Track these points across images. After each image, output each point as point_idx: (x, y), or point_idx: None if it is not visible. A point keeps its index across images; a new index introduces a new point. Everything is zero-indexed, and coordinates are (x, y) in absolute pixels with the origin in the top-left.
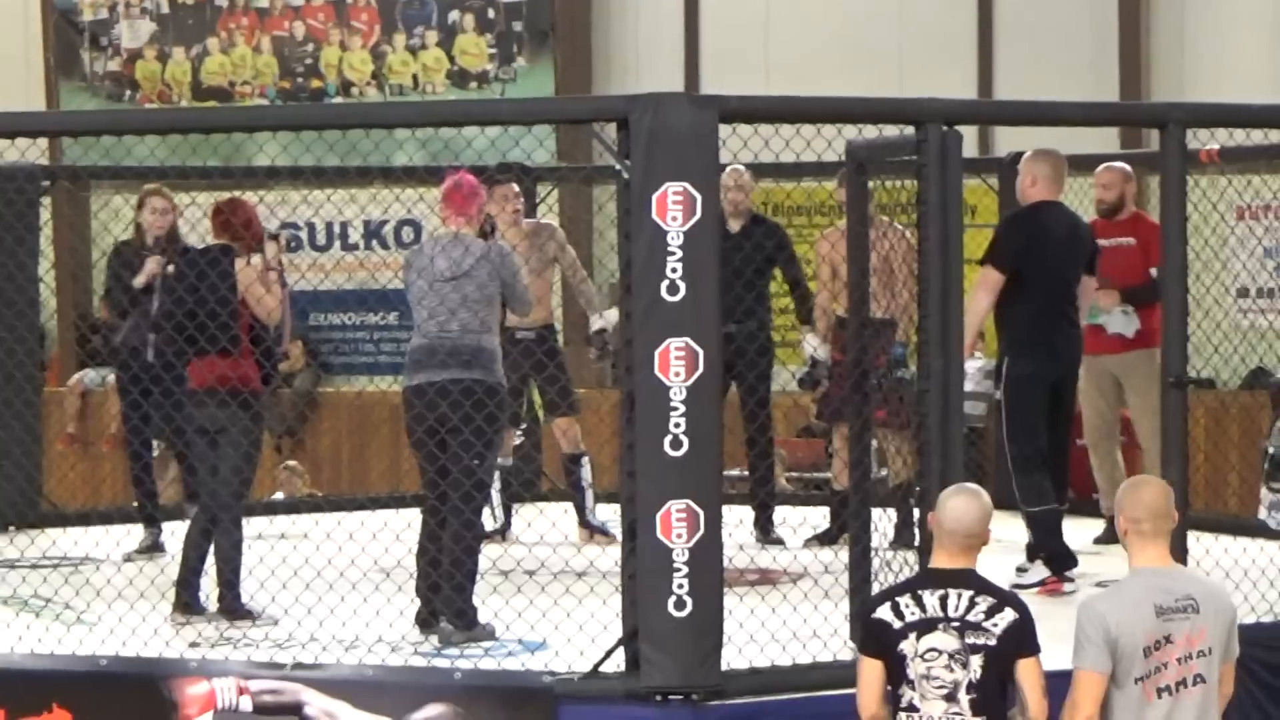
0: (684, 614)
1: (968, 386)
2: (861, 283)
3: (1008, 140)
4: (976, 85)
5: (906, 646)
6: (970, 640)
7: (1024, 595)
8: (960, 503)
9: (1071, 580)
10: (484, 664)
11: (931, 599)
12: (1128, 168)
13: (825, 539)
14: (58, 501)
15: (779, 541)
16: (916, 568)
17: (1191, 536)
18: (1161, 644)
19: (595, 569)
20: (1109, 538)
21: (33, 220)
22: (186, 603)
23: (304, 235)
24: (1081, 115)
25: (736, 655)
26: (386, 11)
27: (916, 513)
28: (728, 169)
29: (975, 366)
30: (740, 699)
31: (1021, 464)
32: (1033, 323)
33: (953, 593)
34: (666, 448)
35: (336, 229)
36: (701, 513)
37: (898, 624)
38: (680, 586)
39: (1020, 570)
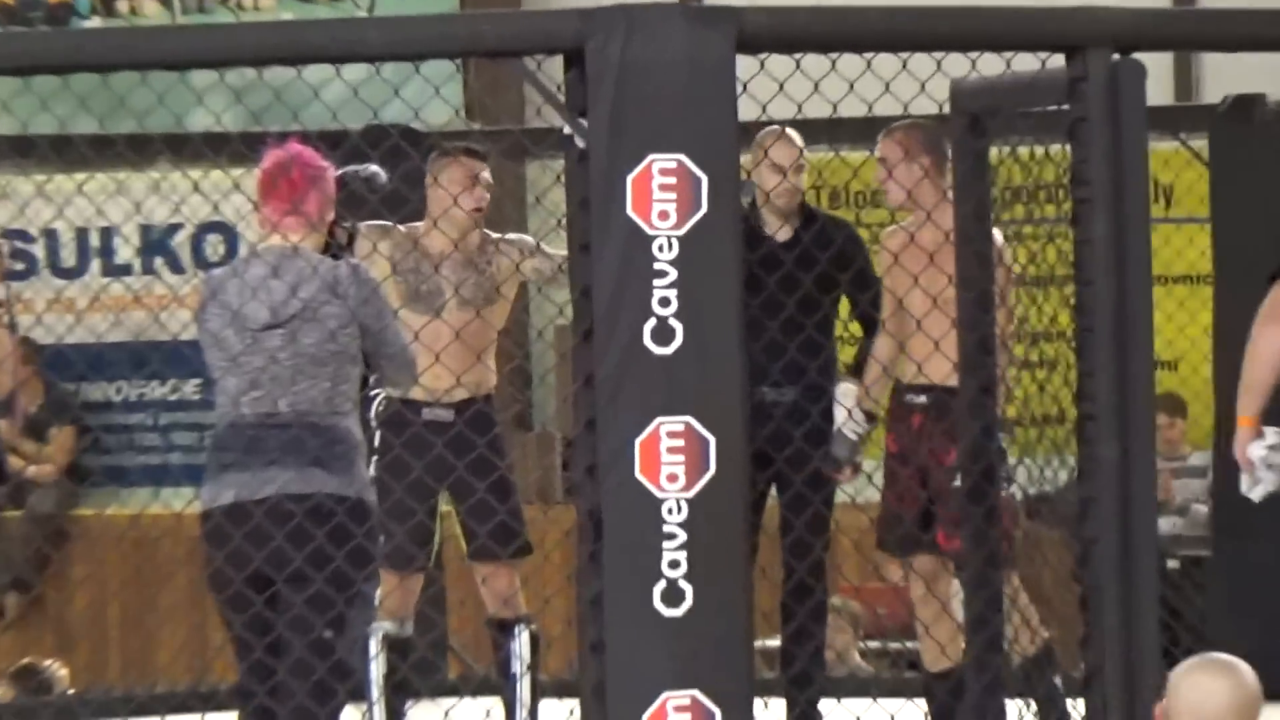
0: None
1: (1256, 490)
2: (980, 320)
3: (1223, 77)
4: None
5: None
6: None
7: None
8: (1206, 684)
9: None
10: None
11: None
12: None
13: None
14: None
15: None
16: None
17: None
18: None
19: None
20: None
21: None
22: None
23: (39, 250)
24: None
25: None
26: None
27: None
28: (767, 132)
29: (1261, 452)
30: None
31: None
32: None
33: None
34: (658, 603)
35: (94, 241)
36: (719, 713)
37: None
38: None
39: None
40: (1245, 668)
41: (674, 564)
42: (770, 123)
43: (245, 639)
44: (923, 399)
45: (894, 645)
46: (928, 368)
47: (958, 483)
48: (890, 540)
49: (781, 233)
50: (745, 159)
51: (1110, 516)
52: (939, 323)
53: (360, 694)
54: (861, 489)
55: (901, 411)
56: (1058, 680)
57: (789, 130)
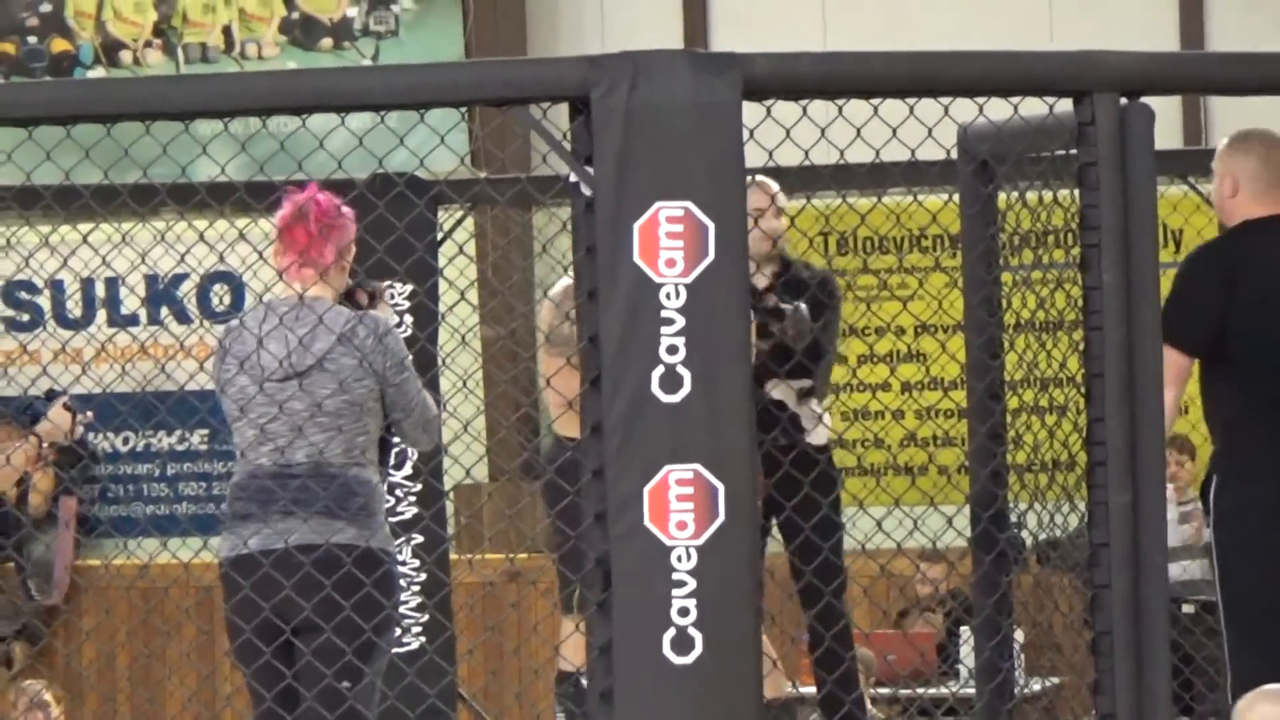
0: None
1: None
2: (988, 367)
3: (1231, 121)
4: (1178, 32)
5: None
6: None
7: None
8: (1271, 713)
9: None
10: None
11: None
12: None
13: None
14: None
15: None
16: None
17: None
18: None
19: None
20: None
21: None
22: None
23: (45, 301)
24: None
25: None
26: None
27: None
28: (755, 181)
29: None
30: None
31: (1241, 658)
32: (1253, 420)
33: None
34: (667, 651)
35: (100, 291)
36: None
37: None
38: None
39: None
40: None
41: (684, 611)
42: (778, 169)
43: (258, 692)
44: None
45: (904, 692)
46: None
47: None
48: None
49: (758, 278)
50: None
51: (1121, 562)
52: None
53: None
54: (871, 535)
55: None
56: None
57: (761, 178)
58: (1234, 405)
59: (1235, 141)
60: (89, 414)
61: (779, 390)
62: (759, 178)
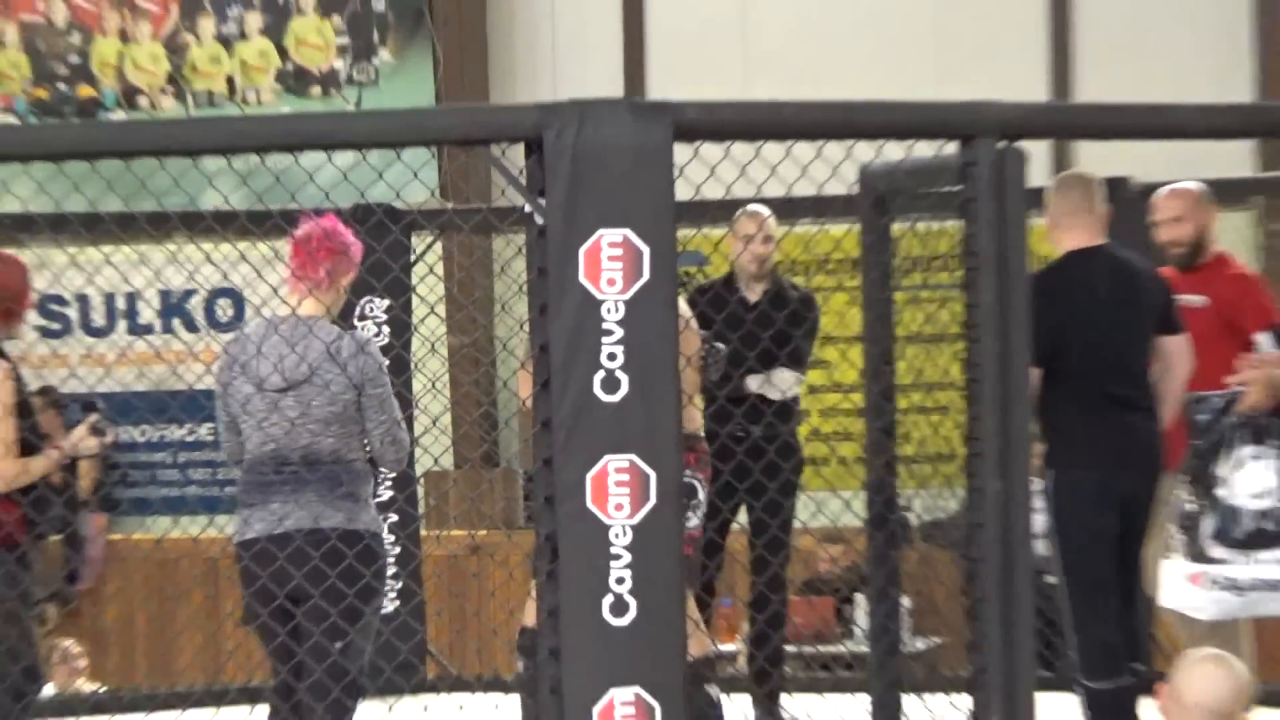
0: None
1: None
2: (882, 372)
3: (1095, 160)
4: (1048, 82)
5: None
6: None
7: None
8: (1208, 673)
9: None
10: None
11: None
12: (1200, 188)
13: None
14: None
15: None
16: None
17: None
18: None
19: None
20: None
21: None
22: None
23: (72, 312)
24: (1200, 124)
25: None
26: None
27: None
28: (746, 211)
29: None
30: None
31: (1080, 620)
32: (1079, 419)
33: None
34: (606, 614)
35: (120, 304)
36: (658, 708)
37: None
38: None
39: None
40: (1238, 660)
41: (620, 580)
42: (704, 203)
43: (272, 660)
44: None
45: (808, 649)
46: None
47: None
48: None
49: (751, 293)
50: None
51: (993, 540)
52: None
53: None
54: (813, 518)
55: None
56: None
57: (754, 207)
58: (1060, 408)
59: (1058, 183)
60: (111, 437)
61: (767, 388)
62: (751, 207)
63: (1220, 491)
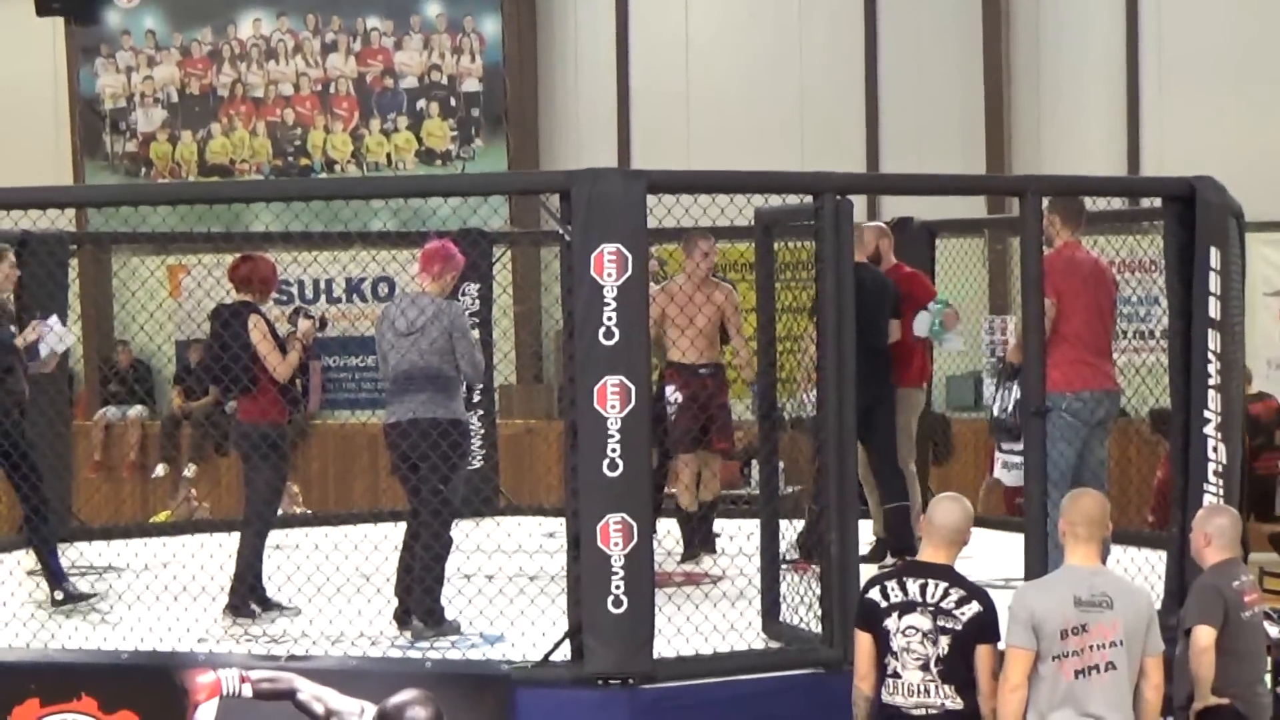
0: (621, 611)
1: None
2: (768, 329)
3: (892, 205)
4: (865, 159)
5: (890, 623)
6: (940, 623)
7: None
8: (948, 506)
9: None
10: (450, 655)
11: (913, 585)
12: (881, 224)
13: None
14: (86, 519)
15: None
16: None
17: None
18: (1079, 630)
19: (545, 573)
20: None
21: (62, 279)
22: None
23: (294, 290)
24: (953, 185)
25: (666, 645)
26: (364, 100)
27: (790, 526)
28: (695, 232)
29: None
30: (669, 683)
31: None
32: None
33: (931, 582)
34: (604, 470)
35: (322, 285)
36: (635, 525)
37: (884, 604)
38: (617, 588)
39: None
40: (967, 500)
41: (614, 449)
42: (663, 230)
43: (404, 490)
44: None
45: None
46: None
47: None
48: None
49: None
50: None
51: (832, 425)
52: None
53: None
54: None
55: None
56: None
57: (705, 231)
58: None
59: (858, 227)
60: (324, 324)
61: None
62: (701, 230)
63: None
